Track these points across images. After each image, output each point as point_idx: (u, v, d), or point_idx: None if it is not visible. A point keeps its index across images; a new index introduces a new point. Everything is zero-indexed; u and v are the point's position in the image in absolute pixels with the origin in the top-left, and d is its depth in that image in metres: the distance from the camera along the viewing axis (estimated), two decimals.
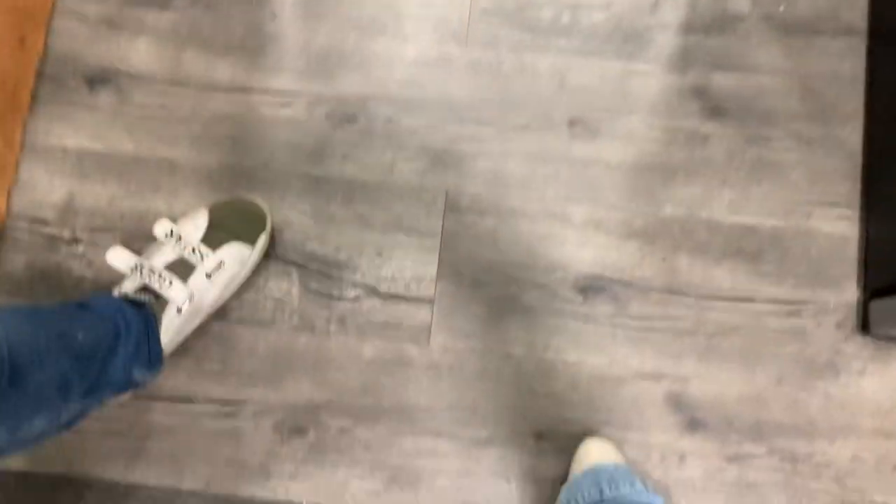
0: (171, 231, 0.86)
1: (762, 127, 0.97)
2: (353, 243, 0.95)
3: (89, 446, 0.90)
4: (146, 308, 0.81)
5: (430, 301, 0.93)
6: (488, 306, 0.93)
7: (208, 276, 0.85)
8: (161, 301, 0.82)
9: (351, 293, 0.94)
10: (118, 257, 0.83)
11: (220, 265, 0.86)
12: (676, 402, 0.91)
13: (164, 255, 0.85)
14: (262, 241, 0.91)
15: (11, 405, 0.59)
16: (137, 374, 0.79)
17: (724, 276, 0.94)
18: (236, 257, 0.88)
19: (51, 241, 0.95)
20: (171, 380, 0.91)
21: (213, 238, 0.88)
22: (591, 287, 0.93)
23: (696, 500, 0.89)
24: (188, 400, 0.91)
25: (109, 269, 0.93)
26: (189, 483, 0.89)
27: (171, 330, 0.83)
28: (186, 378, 0.91)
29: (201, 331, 0.91)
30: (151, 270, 0.82)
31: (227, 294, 0.91)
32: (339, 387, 0.91)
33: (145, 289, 0.82)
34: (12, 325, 0.62)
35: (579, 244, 0.95)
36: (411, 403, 0.91)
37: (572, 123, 0.97)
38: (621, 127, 0.97)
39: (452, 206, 0.96)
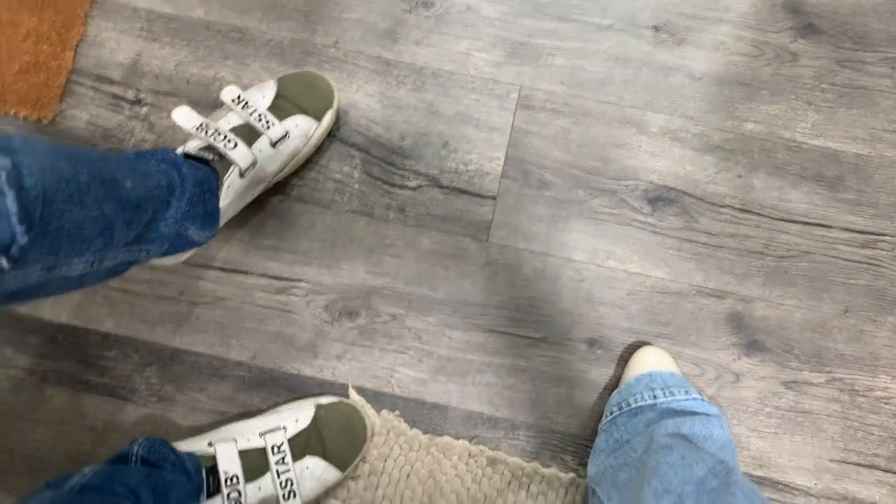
0: (239, 97, 0.83)
1: (856, 49, 0.92)
2: (419, 132, 0.92)
3: (138, 308, 0.89)
4: (208, 165, 0.79)
5: (493, 197, 0.91)
6: (552, 208, 0.91)
7: (273, 144, 0.83)
8: (224, 163, 0.80)
9: (412, 182, 0.91)
10: (183, 115, 0.81)
11: (285, 135, 0.84)
12: (737, 323, 0.88)
13: (229, 120, 0.83)
14: (329, 117, 0.89)
15: (47, 242, 0.56)
16: (191, 231, 0.78)
17: (801, 200, 0.90)
18: (301, 130, 0.86)
19: (114, 101, 0.93)
20: (224, 250, 0.90)
21: (280, 108, 0.86)
22: (661, 198, 0.90)
23: (748, 421, 0.86)
24: (241, 271, 0.90)
25: (172, 133, 0.92)
26: (235, 354, 0.88)
27: (231, 194, 0.81)
28: (241, 250, 0.90)
29: (259, 204, 0.90)
30: (217, 131, 0.80)
31: (289, 168, 0.89)
32: (394, 274, 0.90)
33: (209, 150, 0.81)
34: (49, 160, 0.57)
35: (653, 153, 0.91)
36: (465, 298, 0.89)
37: (658, 28, 0.93)
38: (708, 37, 0.93)
39: (525, 103, 0.92)
